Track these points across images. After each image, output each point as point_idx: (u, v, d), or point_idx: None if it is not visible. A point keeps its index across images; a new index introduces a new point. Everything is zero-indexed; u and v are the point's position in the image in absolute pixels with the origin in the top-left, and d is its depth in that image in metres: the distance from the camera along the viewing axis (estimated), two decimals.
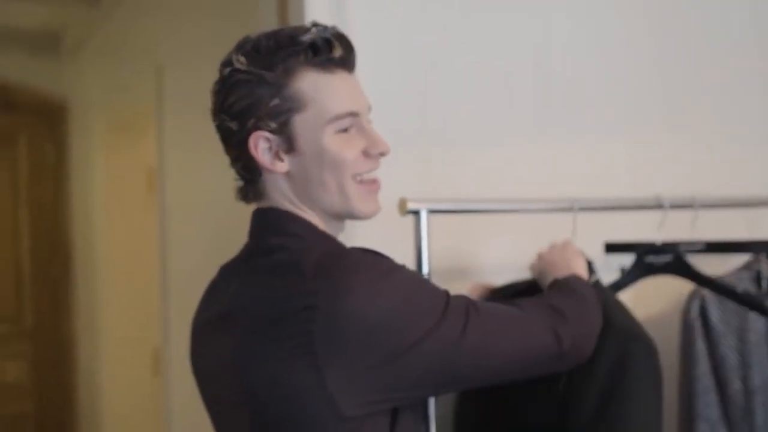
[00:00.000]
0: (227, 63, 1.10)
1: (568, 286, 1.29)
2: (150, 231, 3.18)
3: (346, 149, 1.10)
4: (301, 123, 1.09)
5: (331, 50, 1.09)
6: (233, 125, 1.10)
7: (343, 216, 1.15)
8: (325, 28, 1.10)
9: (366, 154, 1.12)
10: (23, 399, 4.04)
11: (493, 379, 1.17)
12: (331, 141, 1.09)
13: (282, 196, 1.12)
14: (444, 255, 1.55)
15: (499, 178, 1.81)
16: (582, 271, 1.37)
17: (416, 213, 1.41)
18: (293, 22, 1.72)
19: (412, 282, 1.08)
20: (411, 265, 1.43)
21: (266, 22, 1.88)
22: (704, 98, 2.04)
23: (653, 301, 1.95)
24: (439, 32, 1.79)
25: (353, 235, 1.59)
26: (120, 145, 3.63)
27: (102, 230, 3.80)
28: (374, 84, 1.55)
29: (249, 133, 1.09)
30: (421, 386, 1.08)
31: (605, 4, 1.95)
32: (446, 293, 1.10)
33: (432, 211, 1.42)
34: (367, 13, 1.70)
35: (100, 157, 3.77)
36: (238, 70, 1.08)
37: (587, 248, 1.71)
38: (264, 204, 1.14)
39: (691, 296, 1.82)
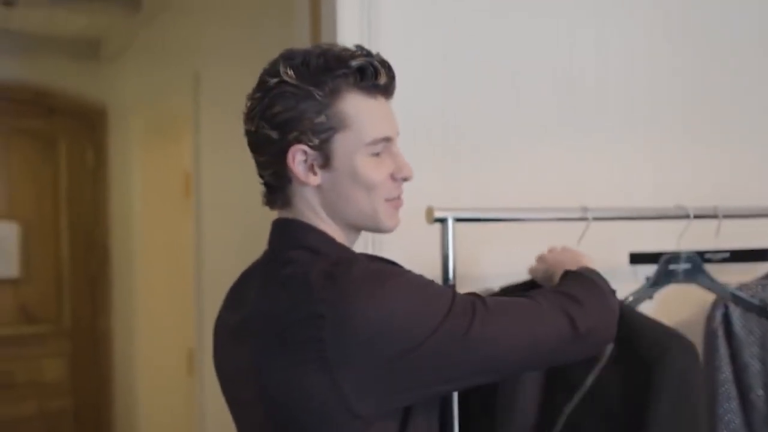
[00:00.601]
0: (274, 73, 1.13)
1: (581, 275, 1.30)
2: (186, 234, 3.22)
3: (376, 172, 1.15)
4: (340, 142, 1.13)
5: (377, 77, 1.13)
6: (273, 134, 1.13)
7: (367, 229, 1.21)
8: (370, 53, 1.14)
9: (392, 177, 1.17)
10: (63, 396, 4.11)
11: (510, 369, 1.19)
12: (364, 162, 1.14)
13: (307, 206, 1.16)
14: (462, 261, 1.58)
15: (520, 185, 1.82)
16: (591, 265, 1.37)
17: (443, 221, 1.44)
18: (325, 25, 1.75)
19: (417, 284, 1.11)
20: (438, 271, 1.47)
21: (300, 27, 1.91)
22: (725, 105, 2.04)
23: (678, 307, 1.95)
24: (461, 36, 1.81)
25: (380, 242, 1.65)
26: (158, 150, 3.67)
27: (139, 232, 3.84)
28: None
29: (289, 145, 1.12)
30: (433, 383, 1.10)
31: (626, 11, 1.96)
32: (452, 291, 1.13)
33: (458, 220, 1.45)
34: (397, 15, 1.73)
35: (139, 161, 3.82)
36: (285, 83, 1.11)
37: (611, 258, 1.74)
38: (287, 213, 1.18)
39: (715, 304, 1.83)
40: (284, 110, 1.12)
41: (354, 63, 1.12)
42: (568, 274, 1.32)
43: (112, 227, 4.20)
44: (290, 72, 1.12)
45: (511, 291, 1.53)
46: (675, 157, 2.01)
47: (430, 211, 1.45)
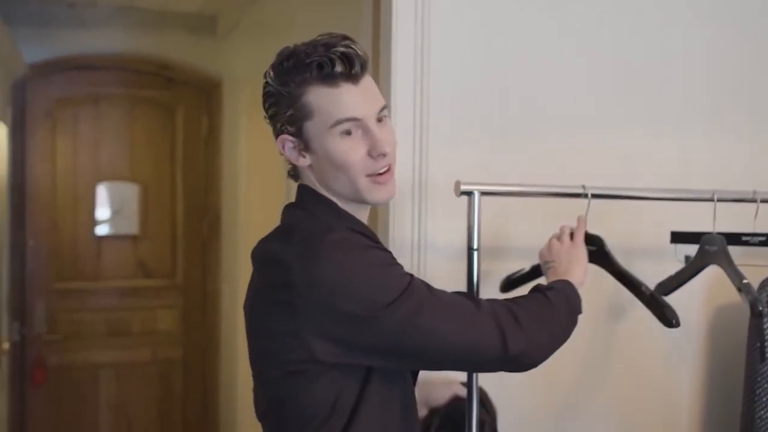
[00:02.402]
0: (266, 73, 1.29)
1: (544, 296, 1.34)
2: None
3: (350, 151, 1.26)
4: (310, 129, 1.27)
5: (333, 67, 1.23)
6: (270, 123, 1.31)
7: (357, 202, 1.32)
8: (332, 46, 1.23)
9: (370, 154, 1.27)
10: (174, 345, 4.37)
11: (438, 363, 1.28)
12: (335, 143, 1.26)
13: (309, 180, 1.33)
14: (491, 233, 1.68)
15: (572, 166, 1.89)
16: (578, 278, 1.43)
17: (470, 194, 1.54)
18: (384, 9, 1.87)
19: (380, 260, 1.22)
20: (463, 240, 1.58)
21: (365, 9, 2.03)
22: None
23: (730, 288, 1.98)
24: (520, 23, 1.88)
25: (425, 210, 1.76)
26: (261, 121, 3.87)
27: (244, 197, 4.03)
28: (448, 72, 1.67)
29: (278, 134, 1.30)
30: (372, 353, 1.20)
31: (689, 10, 2.00)
32: (410, 276, 1.22)
33: (484, 193, 1.55)
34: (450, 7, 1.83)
35: (245, 132, 4.00)
36: (268, 83, 1.28)
37: (659, 238, 1.78)
38: (302, 181, 1.35)
39: (761, 286, 1.86)
40: (270, 106, 1.29)
41: (310, 60, 1.23)
42: (538, 288, 1.37)
43: (222, 191, 4.40)
44: (271, 72, 1.28)
45: (518, 274, 1.63)
46: (736, 143, 2.02)
47: (458, 185, 1.55)
